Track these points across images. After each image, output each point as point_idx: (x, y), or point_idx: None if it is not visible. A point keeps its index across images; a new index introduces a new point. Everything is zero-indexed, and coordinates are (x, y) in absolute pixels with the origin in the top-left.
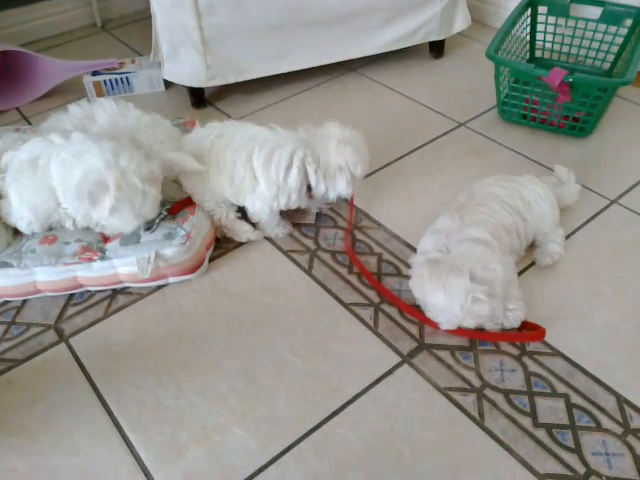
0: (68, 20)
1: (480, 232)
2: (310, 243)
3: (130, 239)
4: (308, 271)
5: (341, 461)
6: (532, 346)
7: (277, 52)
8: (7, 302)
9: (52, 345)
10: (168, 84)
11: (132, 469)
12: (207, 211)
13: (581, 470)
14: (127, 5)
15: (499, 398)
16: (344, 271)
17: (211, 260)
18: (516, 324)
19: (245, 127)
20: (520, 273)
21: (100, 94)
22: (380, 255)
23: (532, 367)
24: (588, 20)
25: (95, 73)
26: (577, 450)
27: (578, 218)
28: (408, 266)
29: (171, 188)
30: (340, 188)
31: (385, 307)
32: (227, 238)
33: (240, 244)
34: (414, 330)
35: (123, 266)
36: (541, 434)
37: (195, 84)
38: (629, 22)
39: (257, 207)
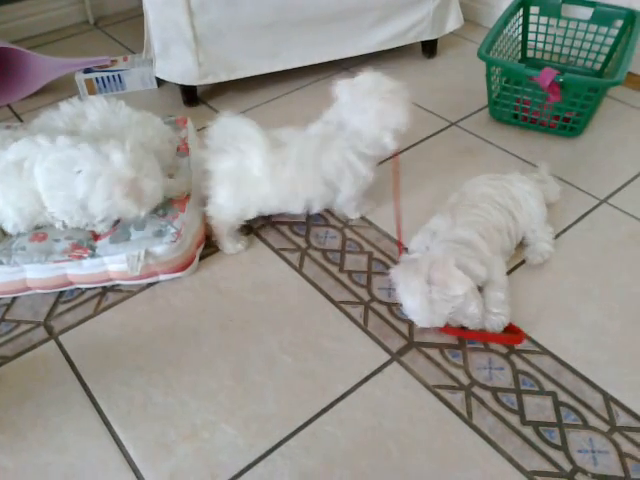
0: (60, 17)
1: (467, 233)
2: (301, 241)
3: (120, 237)
4: (299, 269)
5: (329, 458)
6: (520, 344)
7: (270, 50)
8: None
9: (42, 342)
10: (160, 82)
11: (121, 466)
12: (214, 216)
13: (567, 467)
14: (120, 2)
15: (487, 396)
16: (335, 269)
17: (202, 258)
18: (498, 329)
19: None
20: (510, 272)
21: (92, 92)
22: (371, 254)
23: (520, 365)
24: (579, 21)
25: (87, 71)
26: (564, 447)
27: (568, 217)
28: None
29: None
30: (387, 142)
31: (375, 305)
32: None
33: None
34: (404, 328)
35: (113, 263)
36: (528, 432)
37: (187, 82)
38: (620, 23)
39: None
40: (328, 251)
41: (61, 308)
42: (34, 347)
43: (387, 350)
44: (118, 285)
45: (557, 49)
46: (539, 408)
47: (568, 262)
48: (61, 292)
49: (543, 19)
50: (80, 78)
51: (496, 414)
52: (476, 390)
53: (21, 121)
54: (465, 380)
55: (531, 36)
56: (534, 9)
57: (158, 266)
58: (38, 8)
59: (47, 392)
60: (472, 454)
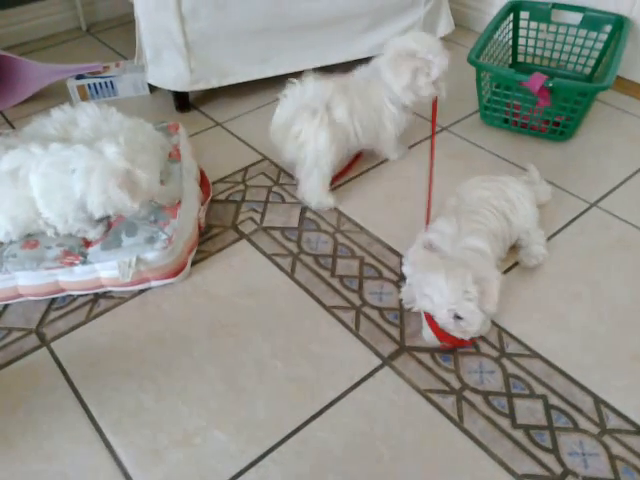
0: (53, 24)
1: (479, 241)
2: (293, 246)
3: (111, 243)
4: (290, 274)
5: (321, 463)
6: (511, 348)
7: (261, 56)
8: None
9: (33, 349)
10: (153, 88)
11: (113, 473)
12: None
13: (558, 470)
14: (112, 9)
15: (478, 400)
16: (326, 274)
17: (193, 264)
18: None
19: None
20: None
21: (84, 98)
22: (362, 258)
23: (511, 369)
24: (569, 25)
25: (79, 77)
26: (554, 450)
27: (558, 221)
28: (390, 269)
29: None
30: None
31: (366, 310)
32: (209, 242)
33: (222, 248)
34: (395, 333)
35: (105, 270)
36: (519, 435)
37: (179, 88)
38: (609, 28)
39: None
40: (320, 256)
41: (53, 315)
42: (26, 354)
43: (378, 355)
44: (110, 292)
45: (547, 54)
46: (530, 411)
47: (558, 266)
48: (53, 299)
49: (533, 24)
50: (72, 85)
51: (487, 418)
52: (467, 394)
53: (13, 128)
54: (456, 384)
55: (521, 41)
56: (524, 14)
57: (150, 272)
58: (30, 15)
59: (38, 399)
60: (463, 458)
